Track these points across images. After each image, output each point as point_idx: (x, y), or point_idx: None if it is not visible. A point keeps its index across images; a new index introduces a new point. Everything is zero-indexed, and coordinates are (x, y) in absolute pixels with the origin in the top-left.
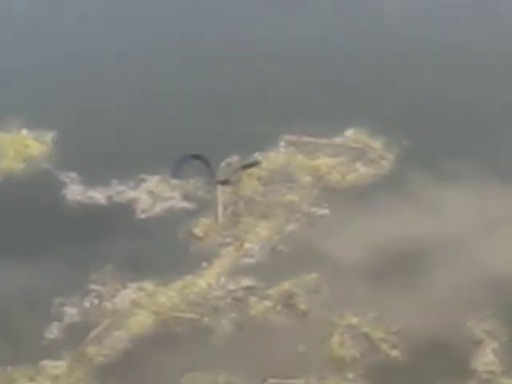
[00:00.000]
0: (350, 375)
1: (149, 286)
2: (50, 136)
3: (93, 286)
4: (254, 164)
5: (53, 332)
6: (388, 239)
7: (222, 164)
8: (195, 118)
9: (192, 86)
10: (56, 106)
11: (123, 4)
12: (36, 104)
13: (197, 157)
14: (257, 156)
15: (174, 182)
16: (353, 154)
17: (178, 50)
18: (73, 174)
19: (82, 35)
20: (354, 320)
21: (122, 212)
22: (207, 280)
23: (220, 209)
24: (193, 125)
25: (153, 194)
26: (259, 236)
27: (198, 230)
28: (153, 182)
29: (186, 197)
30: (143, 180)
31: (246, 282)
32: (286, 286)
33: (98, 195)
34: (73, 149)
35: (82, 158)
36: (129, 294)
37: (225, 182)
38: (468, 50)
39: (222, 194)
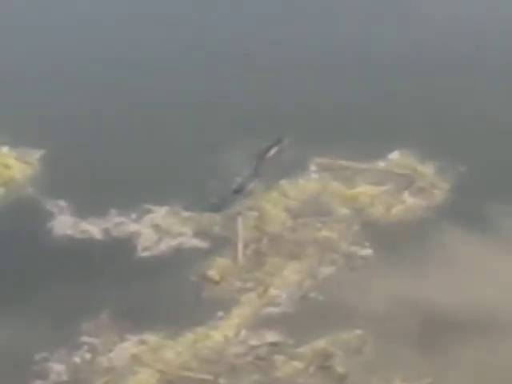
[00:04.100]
0: None
1: (152, 338)
2: (36, 155)
3: (85, 338)
4: (276, 144)
5: None
6: (444, 287)
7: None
8: (209, 136)
9: (204, 99)
10: (45, 121)
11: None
12: (22, 118)
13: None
14: (282, 183)
15: (185, 214)
16: (399, 181)
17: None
18: (62, 203)
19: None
20: None
21: (120, 249)
22: (224, 333)
23: (240, 247)
24: (207, 144)
25: (159, 229)
26: (287, 280)
27: (212, 273)
28: (159, 213)
29: (198, 233)
30: (147, 211)
31: (272, 336)
32: (320, 343)
33: (93, 228)
34: (63, 171)
35: (73, 182)
36: (128, 347)
37: (238, 191)
38: None
39: (242, 229)
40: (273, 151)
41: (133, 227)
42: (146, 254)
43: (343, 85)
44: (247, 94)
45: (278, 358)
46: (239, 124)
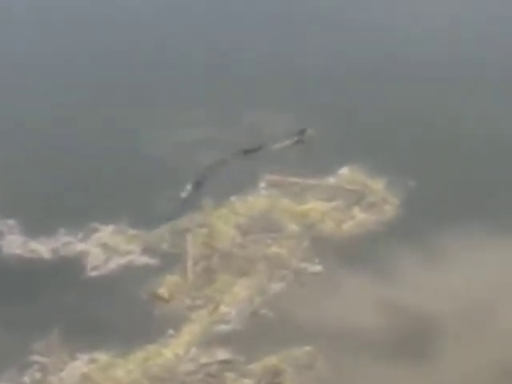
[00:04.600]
0: None
1: (103, 357)
2: None
3: (35, 358)
4: (299, 133)
5: None
6: (394, 302)
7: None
8: (158, 150)
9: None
10: None
11: None
12: None
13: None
14: (232, 200)
15: (132, 232)
16: (349, 196)
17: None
18: (11, 222)
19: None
20: None
21: (69, 269)
22: (174, 351)
23: (190, 264)
24: (156, 159)
25: (106, 247)
26: (237, 297)
27: (162, 290)
28: (106, 232)
29: (147, 250)
30: (95, 230)
31: (222, 354)
32: (271, 360)
33: (42, 247)
34: (11, 190)
35: (22, 201)
36: (79, 366)
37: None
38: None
39: (192, 246)
40: (292, 140)
41: (81, 246)
42: (94, 273)
43: (291, 99)
44: (211, 104)
45: (229, 376)
46: (195, 139)
